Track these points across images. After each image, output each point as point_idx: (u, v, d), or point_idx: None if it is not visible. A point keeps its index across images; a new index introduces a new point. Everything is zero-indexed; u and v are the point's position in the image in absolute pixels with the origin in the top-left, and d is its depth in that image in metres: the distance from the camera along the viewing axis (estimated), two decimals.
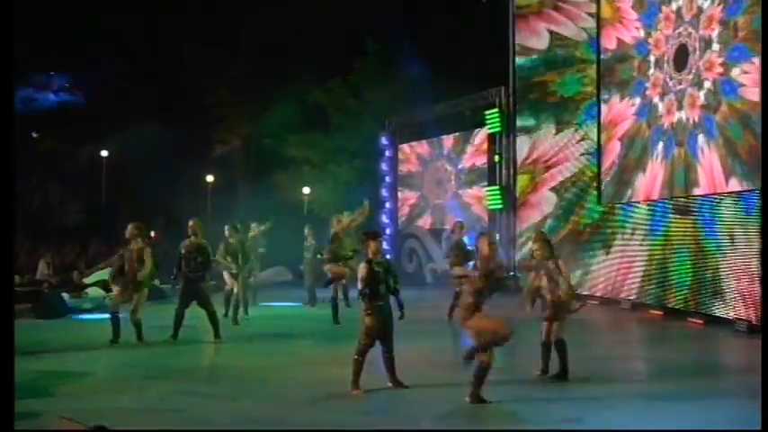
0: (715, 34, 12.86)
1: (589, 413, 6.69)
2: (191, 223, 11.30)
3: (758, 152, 11.11)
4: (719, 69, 12.72)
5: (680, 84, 14.01)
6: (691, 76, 13.65)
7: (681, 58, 13.96)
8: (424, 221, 23.46)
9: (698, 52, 13.37)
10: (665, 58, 14.45)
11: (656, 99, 14.84)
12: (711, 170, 12.96)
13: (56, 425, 4.14)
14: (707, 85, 13.14)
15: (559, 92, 18.04)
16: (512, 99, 19.46)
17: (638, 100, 15.50)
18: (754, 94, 11.65)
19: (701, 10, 13.30)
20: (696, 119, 13.47)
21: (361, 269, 7.60)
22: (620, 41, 16.03)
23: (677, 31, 14.05)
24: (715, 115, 12.85)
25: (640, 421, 6.48)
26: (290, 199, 28.80)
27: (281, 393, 7.66)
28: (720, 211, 12.75)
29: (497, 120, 19.87)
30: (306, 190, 28.67)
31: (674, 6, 14.17)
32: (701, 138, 13.28)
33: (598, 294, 16.30)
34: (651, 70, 14.99)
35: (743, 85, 12.08)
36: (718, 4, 12.82)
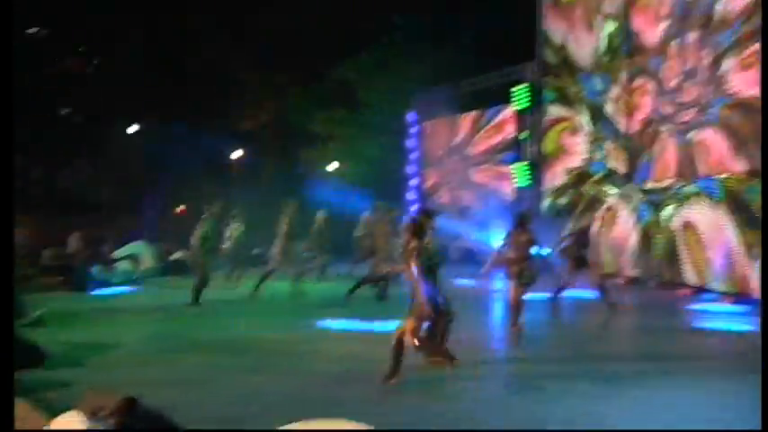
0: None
1: (610, 395, 6.71)
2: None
3: None
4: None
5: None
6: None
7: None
8: (450, 198, 23.44)
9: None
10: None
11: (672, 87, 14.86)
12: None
13: (86, 396, 4.24)
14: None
15: (586, 68, 17.87)
16: (540, 75, 19.31)
17: (655, 88, 15.44)
18: None
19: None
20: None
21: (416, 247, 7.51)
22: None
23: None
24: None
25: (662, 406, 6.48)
26: (316, 175, 28.88)
27: (303, 368, 7.73)
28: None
29: (525, 95, 19.72)
30: (332, 167, 28.74)
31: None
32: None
33: (626, 274, 16.22)
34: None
35: None
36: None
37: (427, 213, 7.83)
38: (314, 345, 9.05)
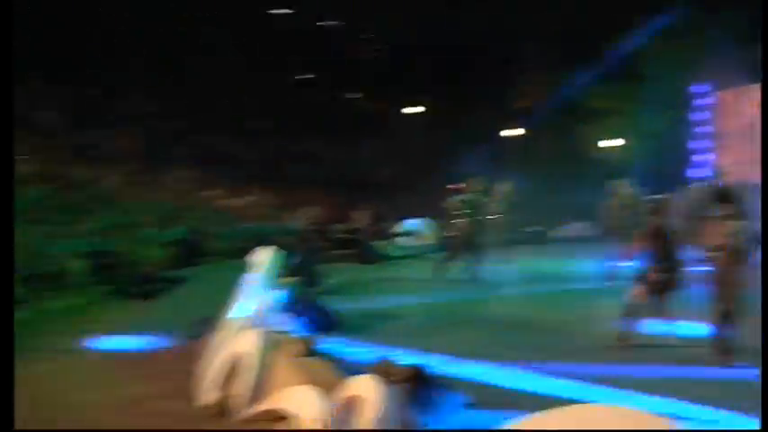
0: None
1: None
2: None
3: None
4: None
5: None
6: None
7: None
8: (742, 176, 21.49)
9: None
10: None
11: None
12: None
13: (379, 363, 4.59)
14: None
15: None
16: None
17: None
18: None
19: None
20: None
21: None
22: None
23: None
24: None
25: None
26: (593, 151, 28.15)
27: (586, 347, 7.60)
28: None
29: None
30: (616, 143, 27.89)
31: None
32: None
33: None
34: None
35: None
36: None
37: (722, 195, 7.36)
38: (593, 325, 8.72)
